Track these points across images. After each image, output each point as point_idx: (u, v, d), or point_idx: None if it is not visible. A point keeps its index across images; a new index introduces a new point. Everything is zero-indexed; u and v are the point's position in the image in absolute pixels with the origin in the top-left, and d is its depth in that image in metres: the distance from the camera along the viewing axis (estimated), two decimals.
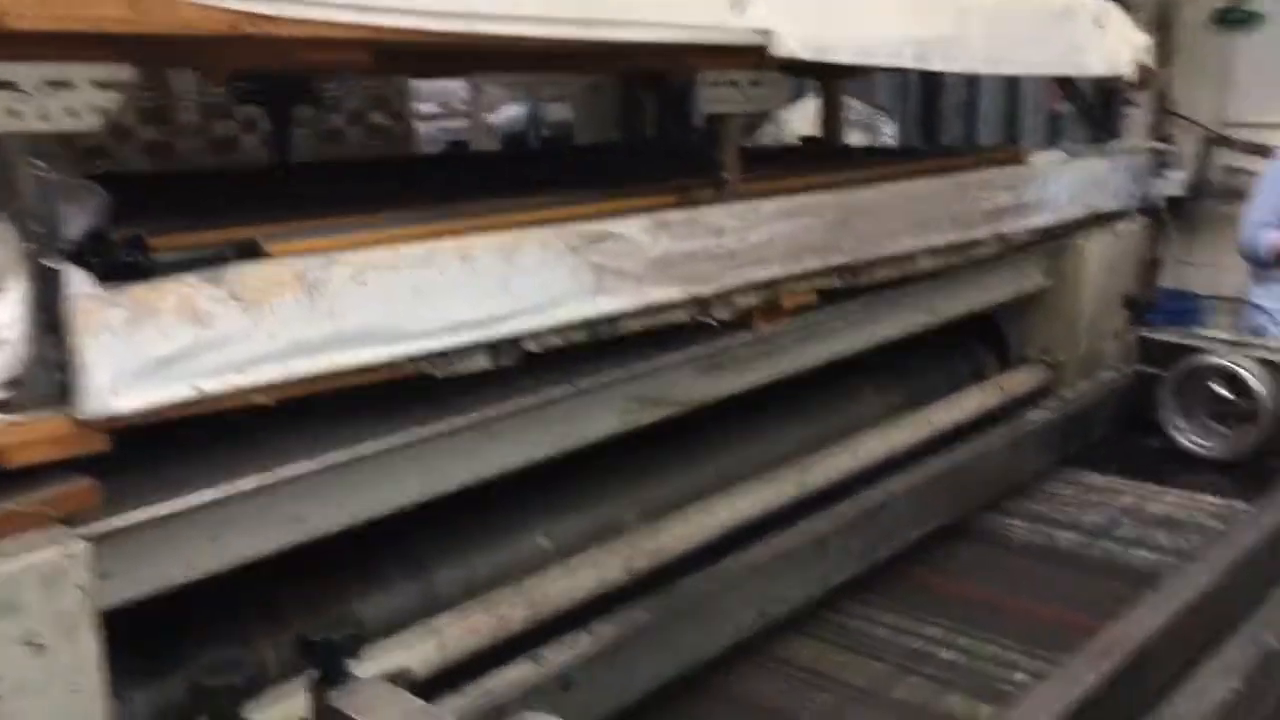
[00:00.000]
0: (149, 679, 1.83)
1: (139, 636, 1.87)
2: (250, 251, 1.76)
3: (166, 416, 1.59)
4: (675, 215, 2.31)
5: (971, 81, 7.52)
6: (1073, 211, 3.49)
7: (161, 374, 1.56)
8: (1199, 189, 7.68)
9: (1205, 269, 7.66)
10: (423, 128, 8.79)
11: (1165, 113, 7.69)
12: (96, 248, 1.76)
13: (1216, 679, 1.85)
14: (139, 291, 1.54)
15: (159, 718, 1.78)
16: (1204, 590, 2.14)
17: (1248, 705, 1.88)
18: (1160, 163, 7.37)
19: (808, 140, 4.40)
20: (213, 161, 4.38)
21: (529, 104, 9.50)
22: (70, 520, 1.51)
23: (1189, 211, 7.77)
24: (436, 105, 9.59)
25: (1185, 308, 7.00)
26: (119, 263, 1.73)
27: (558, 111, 8.68)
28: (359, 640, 1.58)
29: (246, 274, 1.65)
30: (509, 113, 9.49)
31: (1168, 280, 7.92)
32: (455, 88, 9.09)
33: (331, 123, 5.16)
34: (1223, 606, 2.17)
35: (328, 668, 1.57)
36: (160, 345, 1.55)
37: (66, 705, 1.48)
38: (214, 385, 1.62)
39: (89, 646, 1.50)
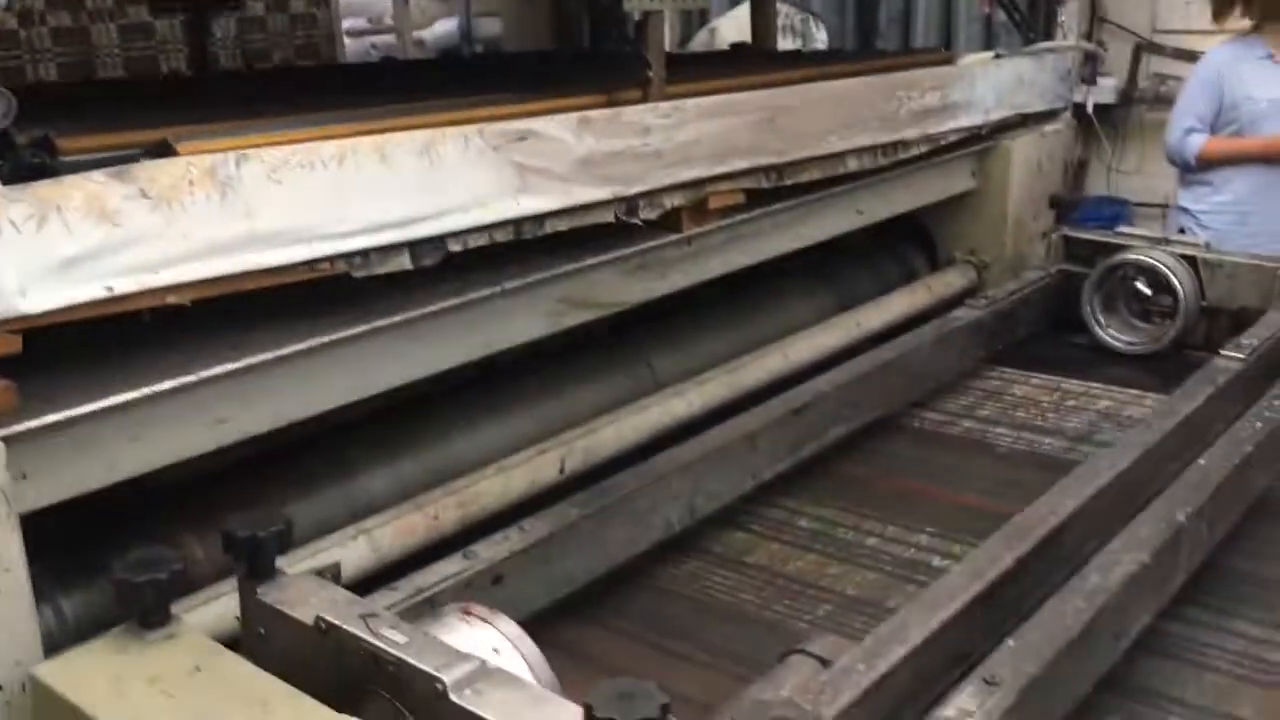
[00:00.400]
0: (79, 583, 1.84)
1: (69, 543, 1.87)
2: (161, 151, 1.74)
3: (80, 317, 1.57)
4: (599, 114, 2.30)
5: None
6: (999, 113, 3.51)
7: (71, 274, 1.54)
8: (1130, 96, 7.77)
9: (1136, 176, 7.77)
10: (351, 44, 8.61)
11: (1097, 20, 7.73)
12: (3, 149, 1.73)
13: (1126, 553, 1.92)
14: (43, 189, 1.51)
15: (91, 622, 1.78)
16: (1116, 474, 2.21)
17: (1155, 578, 1.95)
18: (1093, 70, 7.44)
19: (737, 46, 4.37)
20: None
21: (461, 18, 9.32)
22: None
23: (1120, 118, 7.86)
24: (365, 21, 9.37)
25: (1116, 214, 7.11)
26: (25, 164, 1.71)
27: (491, 26, 8.53)
28: (286, 536, 1.59)
29: (156, 171, 1.62)
30: (440, 28, 9.30)
31: (1100, 187, 8.04)
32: (384, 2, 8.88)
33: (254, 40, 5.03)
34: (1135, 489, 2.25)
35: (254, 563, 1.58)
36: (68, 245, 1.52)
37: None
38: (127, 285, 1.60)
39: (10, 548, 1.50)
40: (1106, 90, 7.62)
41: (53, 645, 1.63)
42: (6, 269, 1.47)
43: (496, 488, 2.28)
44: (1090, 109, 7.49)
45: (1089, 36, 7.54)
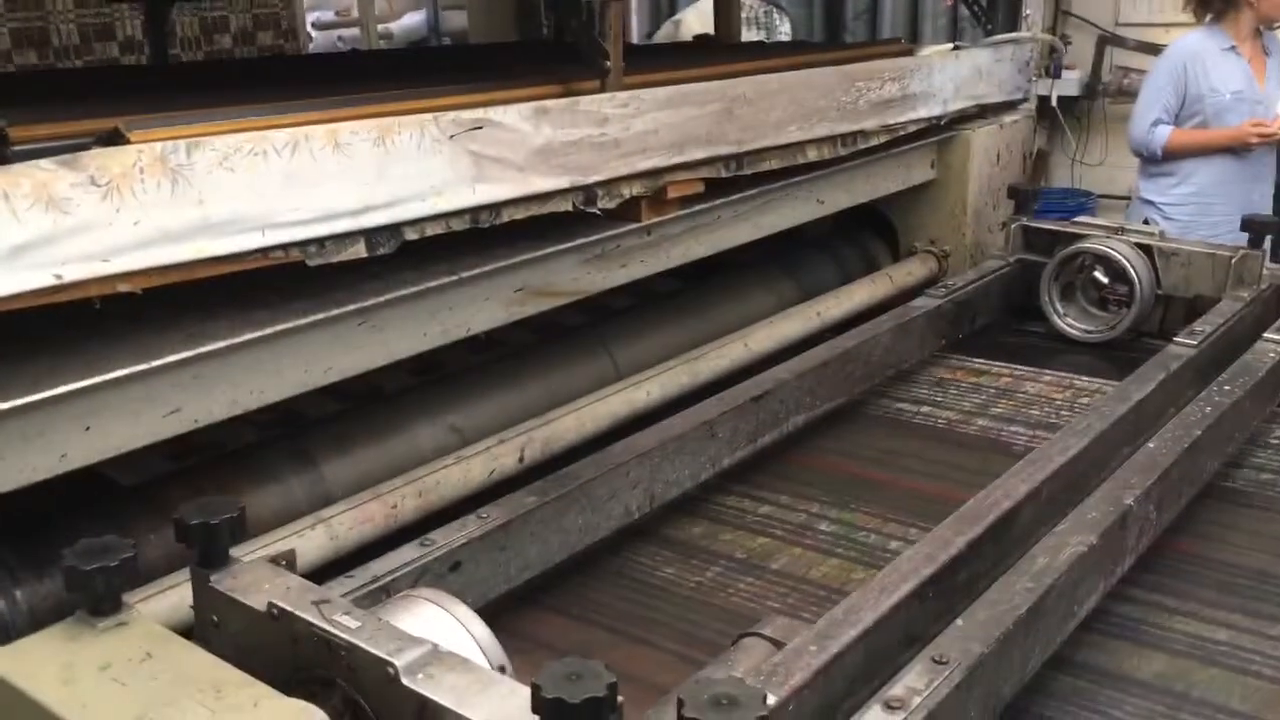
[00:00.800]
0: (31, 575, 1.83)
1: (22, 536, 1.87)
2: (112, 139, 1.74)
3: (29, 305, 1.57)
4: (556, 104, 2.31)
5: None
6: (958, 103, 3.54)
7: (19, 261, 1.53)
8: (1094, 89, 7.85)
9: (1100, 168, 7.86)
10: (318, 35, 8.57)
11: (1061, 13, 7.80)
12: None
13: (1074, 535, 1.94)
14: None
15: (46, 612, 1.78)
16: (1068, 459, 2.24)
17: (1103, 560, 1.98)
18: (1057, 63, 7.49)
19: (700, 38, 4.38)
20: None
21: (428, 12, 9.29)
22: None
23: (1084, 111, 7.94)
24: (333, 14, 9.33)
25: (1079, 206, 7.19)
26: None
27: (457, 19, 8.52)
28: (239, 523, 1.59)
29: (106, 159, 1.62)
30: (408, 21, 9.28)
31: (1064, 179, 8.12)
32: None
33: (215, 29, 5.00)
34: (1086, 473, 2.28)
35: (207, 550, 1.58)
36: (16, 232, 1.52)
37: None
38: (76, 273, 1.60)
39: None
40: (1070, 83, 7.71)
41: (6, 637, 1.63)
42: None
43: (456, 477, 2.28)
44: (1054, 101, 7.56)
45: (1053, 29, 7.61)
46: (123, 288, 1.66)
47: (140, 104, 2.16)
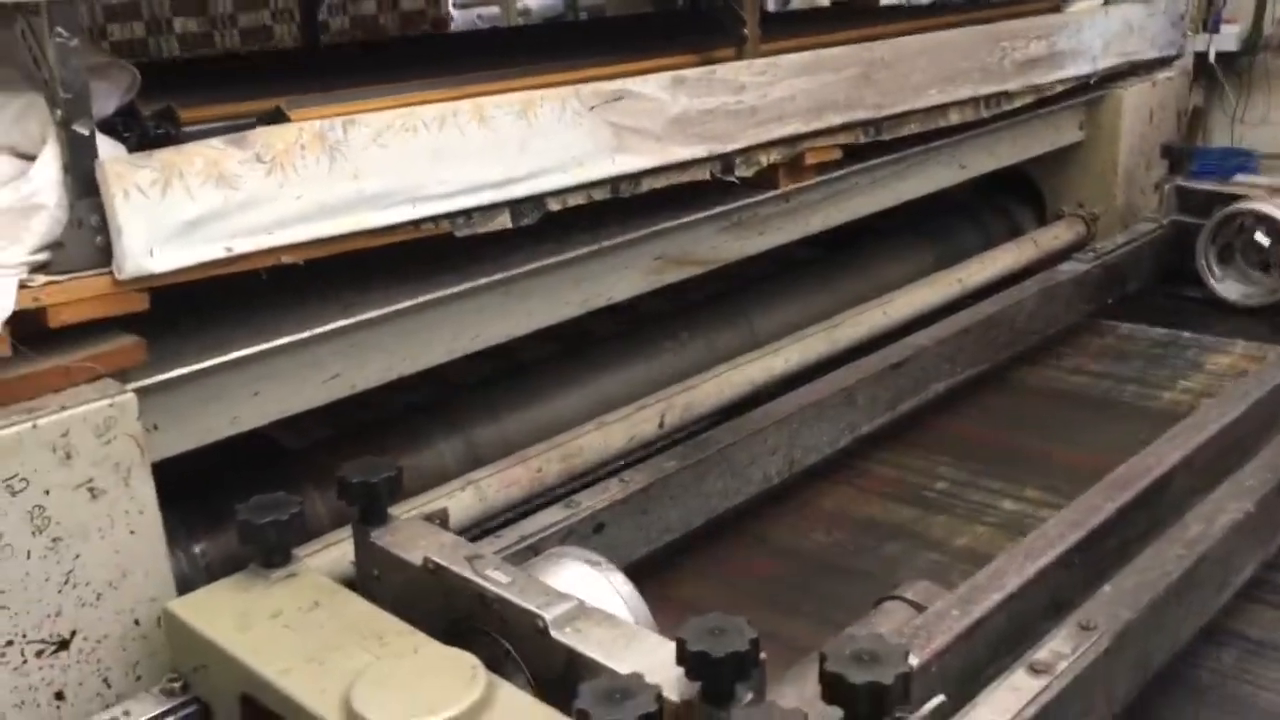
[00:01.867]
0: (210, 531, 1.96)
1: (198, 496, 1.99)
2: (275, 118, 1.83)
3: (202, 276, 1.67)
4: (693, 73, 2.32)
5: None
6: (1108, 61, 3.42)
7: (194, 235, 1.63)
8: (1254, 43, 7.43)
9: (1263, 126, 7.45)
10: (458, 14, 8.73)
11: None
12: (129, 122, 1.84)
13: (1230, 502, 1.89)
14: (166, 155, 1.60)
15: (223, 563, 1.89)
16: (1222, 426, 2.17)
17: (1261, 527, 1.92)
18: (1215, 17, 7.13)
19: (838, 2, 4.33)
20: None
21: None
22: (119, 376, 1.61)
23: (1245, 66, 7.53)
24: None
25: (1239, 166, 6.83)
26: (150, 133, 1.81)
27: None
28: (396, 482, 1.67)
29: (270, 136, 1.71)
30: None
31: (1223, 139, 7.72)
32: None
33: (363, 11, 5.16)
34: (1243, 441, 2.20)
35: (368, 508, 1.66)
36: (190, 207, 1.62)
37: (128, 547, 1.59)
38: (244, 245, 1.69)
39: (145, 492, 1.60)
40: (1229, 38, 7.30)
41: (187, 587, 1.75)
42: (134, 231, 1.57)
43: (598, 442, 2.33)
44: (1212, 57, 7.19)
45: None
46: (286, 259, 1.75)
47: (296, 85, 2.25)
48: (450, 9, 7.46)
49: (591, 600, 1.52)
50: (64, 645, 1.54)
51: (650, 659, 1.35)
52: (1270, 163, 7.09)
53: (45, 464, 1.49)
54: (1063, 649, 1.55)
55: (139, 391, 1.59)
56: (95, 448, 1.53)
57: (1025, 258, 3.39)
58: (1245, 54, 7.50)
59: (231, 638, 1.46)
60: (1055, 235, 3.51)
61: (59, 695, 1.55)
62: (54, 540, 1.51)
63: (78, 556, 1.54)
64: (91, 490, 1.54)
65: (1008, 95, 3.10)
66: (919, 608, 1.68)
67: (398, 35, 4.99)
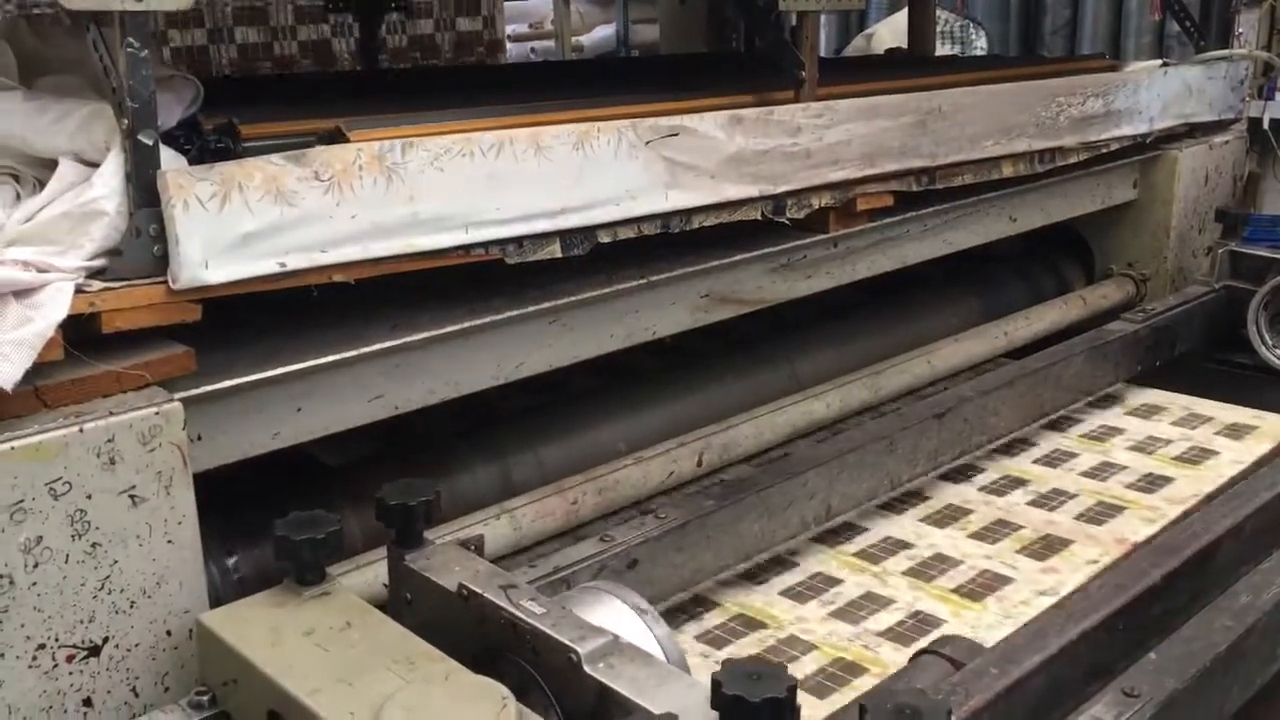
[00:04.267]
0: (247, 544, 1.96)
1: (239, 511, 1.99)
2: (334, 138, 1.84)
3: (255, 290, 1.68)
4: (750, 113, 2.32)
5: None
6: (1165, 122, 3.40)
7: (249, 249, 1.64)
8: None
9: None
10: (513, 47, 8.84)
11: (1277, 32, 7.36)
12: (190, 135, 1.86)
13: (1279, 575, 1.85)
14: (227, 168, 1.61)
15: (256, 578, 1.89)
16: (1274, 495, 2.13)
17: None
18: (1271, 83, 7.09)
19: (893, 51, 4.33)
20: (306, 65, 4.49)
21: (619, 24, 9.46)
22: (167, 385, 1.62)
23: None
24: (526, 26, 9.61)
25: None
26: (210, 147, 1.83)
27: (647, 33, 8.64)
28: (434, 506, 1.66)
29: (329, 156, 1.72)
30: (599, 34, 9.47)
31: (1273, 206, 7.65)
32: (545, 8, 9.09)
33: (421, 30, 5.23)
34: None
35: (403, 531, 1.65)
36: (248, 221, 1.63)
37: (165, 556, 1.59)
38: (298, 262, 1.70)
39: (185, 502, 1.61)
40: None
41: (219, 601, 1.75)
42: (192, 242, 1.58)
43: (635, 477, 2.32)
44: (1266, 124, 7.14)
45: (1268, 47, 7.19)
46: (338, 278, 1.75)
47: (355, 107, 2.28)
48: (505, 39, 7.56)
49: (625, 637, 1.50)
50: (95, 652, 1.54)
51: (684, 700, 1.33)
52: None
53: (89, 469, 1.50)
54: (1104, 715, 1.51)
55: (185, 401, 1.60)
56: (139, 455, 1.54)
57: (1073, 315, 3.36)
58: None
59: (262, 653, 1.45)
60: (1104, 294, 3.47)
61: (87, 702, 1.54)
62: (93, 545, 1.51)
63: (115, 563, 1.54)
64: (133, 497, 1.54)
65: (1062, 151, 3.08)
66: (956, 664, 1.65)
67: (454, 62, 5.05)
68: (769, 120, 2.34)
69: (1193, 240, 3.56)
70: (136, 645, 1.58)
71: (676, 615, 2.11)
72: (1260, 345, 3.23)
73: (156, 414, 1.55)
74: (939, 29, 5.03)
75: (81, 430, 1.49)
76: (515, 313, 2.05)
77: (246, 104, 2.23)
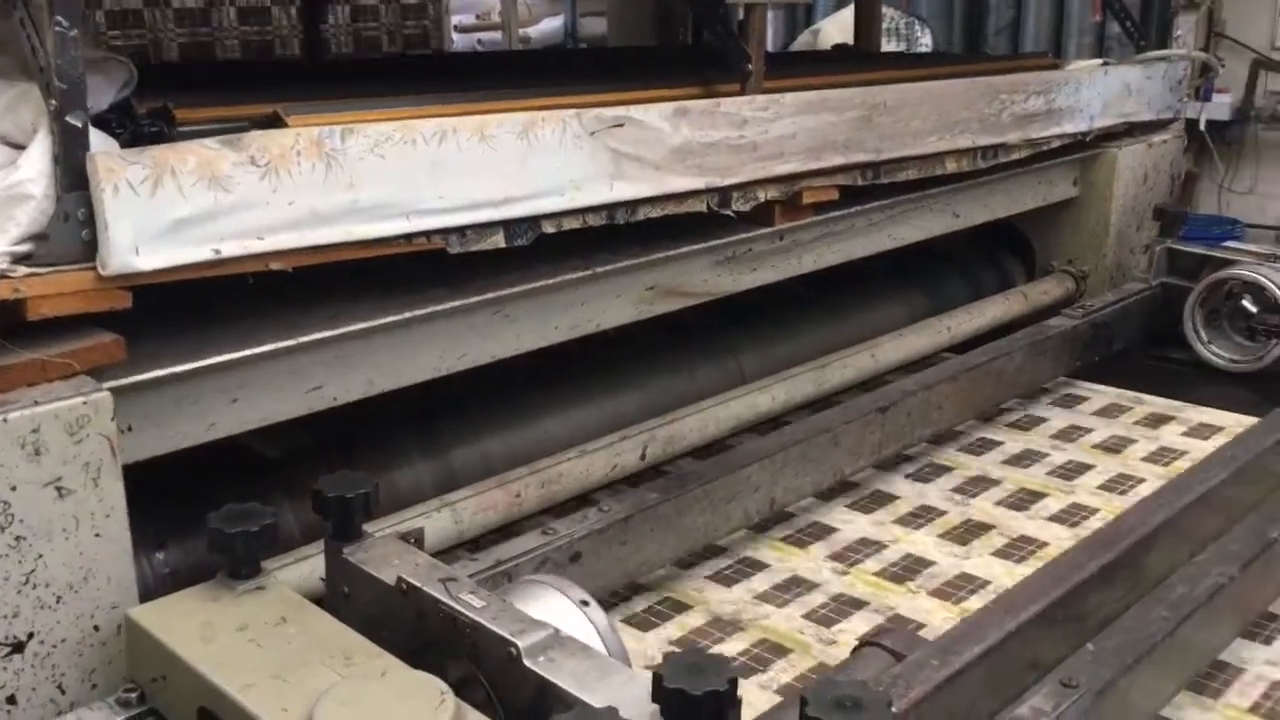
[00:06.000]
0: (179, 538, 1.91)
1: (170, 503, 1.94)
2: (271, 123, 1.80)
3: (188, 277, 1.64)
4: (696, 105, 2.31)
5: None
6: (1105, 120, 3.44)
7: (182, 234, 1.60)
8: (1246, 114, 7.53)
9: (1249, 196, 7.53)
10: (458, 38, 8.76)
11: (1214, 34, 7.51)
12: (123, 118, 1.81)
13: (1214, 566, 1.87)
14: (159, 152, 1.57)
15: (188, 573, 1.85)
16: (1207, 489, 2.16)
17: (1244, 593, 1.90)
18: (1208, 86, 7.22)
19: (839, 47, 4.35)
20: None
21: (566, 17, 9.43)
22: (96, 374, 1.57)
23: (1235, 136, 7.62)
24: (473, 17, 9.53)
25: (1225, 234, 6.89)
26: (144, 131, 1.78)
27: (594, 25, 8.62)
28: (372, 498, 1.63)
29: (266, 140, 1.68)
30: (546, 25, 9.43)
31: (1210, 206, 7.80)
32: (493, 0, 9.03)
33: (366, 29, 5.17)
34: (1227, 506, 2.18)
35: (341, 523, 1.62)
36: (180, 206, 1.59)
37: (92, 549, 1.55)
38: (234, 249, 1.66)
39: (114, 495, 1.56)
40: (1221, 107, 7.40)
41: (147, 595, 1.70)
42: (121, 227, 1.53)
43: (579, 470, 2.30)
44: (1203, 125, 7.28)
45: (1205, 50, 7.33)
46: (275, 266, 1.72)
47: (295, 93, 2.23)
48: (451, 33, 7.49)
49: (566, 630, 1.48)
50: (19, 648, 1.50)
51: (624, 693, 1.31)
52: (1256, 232, 7.17)
53: (13, 459, 1.45)
54: (1044, 706, 1.52)
55: (115, 391, 1.56)
56: (66, 446, 1.50)
57: (1014, 310, 3.39)
58: (1236, 124, 7.59)
59: (193, 649, 1.42)
60: (1045, 290, 3.51)
61: (11, 699, 1.50)
62: (16, 539, 1.47)
63: (40, 557, 1.50)
64: (59, 489, 1.50)
65: (1005, 147, 3.11)
66: (898, 655, 1.65)
67: (399, 53, 4.99)
68: (715, 112, 2.33)
69: (1131, 238, 3.61)
70: (62, 641, 1.53)
71: (609, 601, 2.10)
72: (1196, 341, 3.28)
73: (84, 404, 1.50)
74: (885, 26, 5.06)
75: (5, 420, 1.44)
76: (458, 303, 2.03)
77: (183, 90, 2.18)
